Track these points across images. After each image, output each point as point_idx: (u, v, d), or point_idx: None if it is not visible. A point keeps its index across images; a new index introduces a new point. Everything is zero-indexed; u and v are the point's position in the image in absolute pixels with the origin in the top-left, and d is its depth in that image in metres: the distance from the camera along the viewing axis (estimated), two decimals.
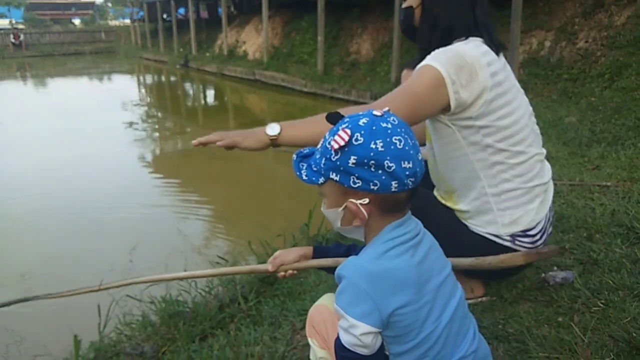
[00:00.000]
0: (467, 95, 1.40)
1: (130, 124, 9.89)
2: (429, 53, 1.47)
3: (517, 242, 1.54)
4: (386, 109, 1.01)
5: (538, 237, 1.57)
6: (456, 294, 1.08)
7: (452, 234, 1.52)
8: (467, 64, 1.40)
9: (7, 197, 5.44)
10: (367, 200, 0.99)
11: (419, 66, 1.43)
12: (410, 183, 0.97)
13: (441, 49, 1.45)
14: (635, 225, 2.21)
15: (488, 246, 1.54)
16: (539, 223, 1.56)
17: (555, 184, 3.05)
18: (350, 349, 0.98)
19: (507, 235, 1.53)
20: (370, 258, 1.01)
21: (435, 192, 1.71)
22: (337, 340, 1.01)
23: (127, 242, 3.98)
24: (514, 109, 1.48)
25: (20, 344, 2.73)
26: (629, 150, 4.12)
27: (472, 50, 1.44)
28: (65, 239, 4.39)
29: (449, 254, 1.48)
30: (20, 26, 38.96)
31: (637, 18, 7.01)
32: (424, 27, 1.57)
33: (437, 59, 1.40)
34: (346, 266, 1.02)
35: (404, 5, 1.63)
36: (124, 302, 2.48)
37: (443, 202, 1.65)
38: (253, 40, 17.33)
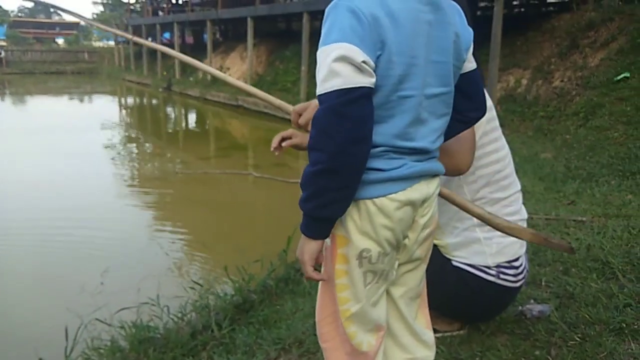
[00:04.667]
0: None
1: (109, 145, 9.77)
2: None
3: (501, 276, 1.54)
4: None
5: (521, 270, 1.58)
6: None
7: (438, 272, 1.52)
8: None
9: None
10: None
11: None
12: None
13: None
14: (610, 260, 2.23)
15: (473, 281, 1.54)
16: (521, 257, 1.57)
17: (531, 218, 3.11)
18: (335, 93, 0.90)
19: (494, 267, 1.53)
20: None
21: None
22: (317, 111, 0.93)
23: (99, 264, 3.87)
24: (502, 145, 1.54)
25: None
26: (603, 187, 4.22)
27: None
28: (34, 259, 4.25)
29: (433, 291, 1.48)
30: (2, 43, 38.59)
31: (609, 60, 7.28)
32: None
33: None
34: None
35: None
36: (93, 326, 2.40)
37: None
38: (237, 67, 17.46)
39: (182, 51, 20.58)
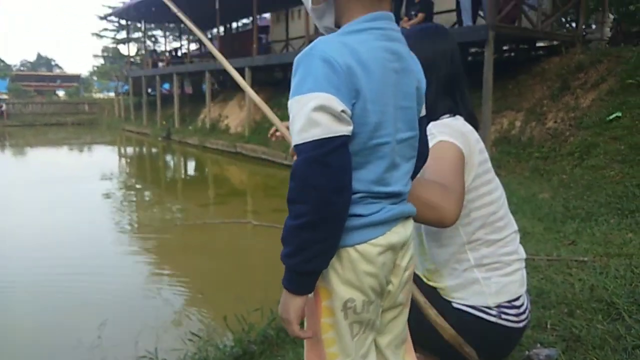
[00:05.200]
0: (467, 169, 1.45)
1: (108, 194, 9.78)
2: None
3: (503, 316, 1.52)
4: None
5: (522, 310, 1.55)
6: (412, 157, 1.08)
7: (439, 314, 1.50)
8: (465, 138, 1.46)
9: None
10: None
11: (430, 144, 1.40)
12: None
13: (438, 124, 1.49)
14: (615, 300, 2.21)
15: (474, 323, 1.51)
16: (522, 296, 1.55)
17: (532, 259, 3.10)
18: (315, 143, 0.89)
19: (494, 307, 1.51)
20: (331, 39, 0.97)
21: (417, 271, 1.70)
22: (295, 163, 0.92)
23: (96, 316, 3.80)
24: (496, 186, 1.56)
25: None
26: (603, 226, 4.21)
27: (463, 126, 1.50)
28: (29, 311, 4.17)
29: (436, 335, 1.46)
30: (4, 96, 39.27)
31: (600, 101, 7.42)
32: None
33: (446, 134, 1.44)
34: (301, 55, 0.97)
35: None
36: None
37: (426, 280, 1.64)
38: (235, 115, 17.72)
39: (182, 101, 21.05)
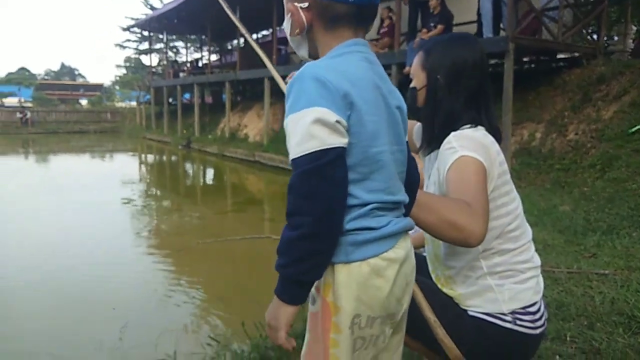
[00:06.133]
0: (487, 181, 1.46)
1: (128, 201, 9.93)
2: (432, 132, 1.56)
3: (518, 322, 1.52)
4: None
5: (538, 316, 1.55)
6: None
7: (455, 323, 1.52)
8: (487, 151, 1.47)
9: None
10: (306, 4, 1.04)
11: (452, 159, 1.44)
12: None
13: (459, 136, 1.49)
14: (636, 314, 2.18)
15: (490, 329, 1.52)
16: (537, 303, 1.55)
17: (552, 272, 3.07)
18: (311, 155, 0.92)
19: (509, 314, 1.52)
20: (319, 62, 1.01)
21: (433, 278, 1.71)
22: (293, 177, 0.94)
23: (116, 319, 3.87)
24: (513, 198, 1.57)
25: None
26: (624, 239, 4.14)
27: (484, 137, 1.51)
28: (52, 313, 4.26)
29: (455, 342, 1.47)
30: (29, 104, 40.20)
31: (622, 113, 7.32)
32: (427, 110, 1.62)
33: (468, 148, 1.44)
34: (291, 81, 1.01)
35: (410, 85, 1.68)
36: None
37: (440, 287, 1.65)
38: (254, 124, 17.88)
39: (202, 110, 21.30)
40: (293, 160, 0.95)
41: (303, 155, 0.93)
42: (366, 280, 0.99)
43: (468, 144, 1.46)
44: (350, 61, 1.03)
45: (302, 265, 0.94)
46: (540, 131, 8.34)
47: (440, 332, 1.47)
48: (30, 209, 8.72)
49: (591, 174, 6.75)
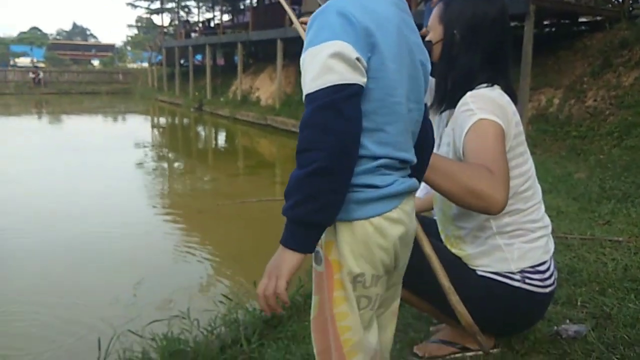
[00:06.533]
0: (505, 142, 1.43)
1: (142, 163, 10.01)
2: (445, 90, 1.52)
3: (527, 281, 1.52)
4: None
5: (547, 275, 1.55)
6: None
7: (463, 283, 1.51)
8: (504, 112, 1.43)
9: (12, 228, 5.45)
10: None
11: (470, 122, 1.40)
12: None
13: (476, 96, 1.45)
14: None
15: (498, 288, 1.52)
16: (546, 262, 1.55)
17: (565, 238, 3.06)
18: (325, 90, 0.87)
19: (518, 272, 1.51)
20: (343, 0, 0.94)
21: (442, 238, 1.70)
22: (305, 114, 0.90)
23: (132, 276, 3.97)
24: (526, 160, 1.54)
25: None
26: (639, 207, 4.10)
27: (501, 98, 1.47)
28: (70, 269, 4.38)
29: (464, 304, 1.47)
30: (41, 65, 40.19)
31: None
32: (442, 67, 1.57)
33: (486, 111, 1.40)
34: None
35: (426, 38, 1.61)
36: (125, 337, 2.44)
37: (449, 247, 1.65)
38: (266, 87, 17.75)
39: (214, 72, 21.10)
40: (308, 95, 0.90)
41: (320, 90, 0.88)
42: (369, 240, 0.97)
43: (486, 105, 1.42)
44: (378, 1, 0.97)
45: (314, 203, 0.88)
46: (558, 97, 8.18)
47: (454, 299, 1.47)
48: (46, 169, 8.83)
49: (608, 142, 6.64)
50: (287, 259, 0.92)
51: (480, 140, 1.37)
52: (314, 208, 0.89)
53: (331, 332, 1.02)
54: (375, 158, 0.95)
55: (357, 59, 0.89)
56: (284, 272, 0.92)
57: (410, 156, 1.03)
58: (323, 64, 0.88)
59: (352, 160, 0.91)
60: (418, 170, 1.11)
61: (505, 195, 1.29)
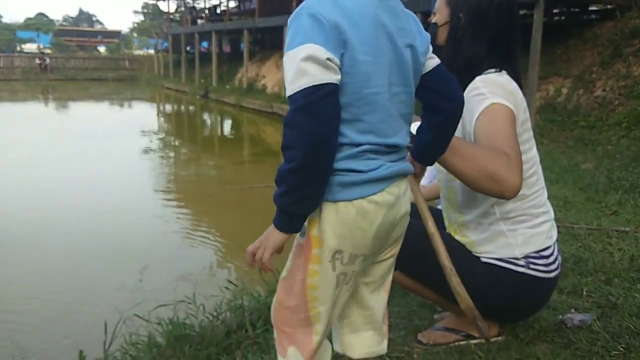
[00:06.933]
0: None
1: (148, 149, 10.03)
2: (450, 71, 1.51)
3: (531, 266, 1.51)
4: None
5: (552, 260, 1.54)
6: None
7: (468, 270, 1.51)
8: (514, 97, 1.42)
9: (19, 214, 5.50)
10: None
11: (482, 107, 1.39)
12: None
13: (486, 81, 1.44)
14: None
15: (503, 274, 1.52)
16: (550, 247, 1.54)
17: (572, 228, 3.04)
18: (301, 93, 0.94)
19: (522, 258, 1.51)
20: None
21: (446, 225, 1.69)
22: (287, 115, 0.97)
23: (138, 262, 4.00)
24: (531, 146, 1.54)
25: (25, 356, 2.70)
26: None
27: (509, 83, 1.46)
28: (76, 254, 4.42)
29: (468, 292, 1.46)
30: (48, 51, 40.19)
31: None
32: (448, 50, 1.54)
33: (498, 95, 1.39)
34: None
35: (432, 20, 1.58)
36: (131, 322, 2.46)
37: (453, 234, 1.64)
38: (272, 75, 17.69)
39: (220, 60, 21.02)
40: (288, 97, 0.97)
41: (296, 93, 0.95)
42: (351, 221, 1.03)
43: (497, 90, 1.40)
44: None
45: (292, 196, 0.99)
46: (567, 87, 8.10)
47: (455, 281, 1.46)
48: (52, 155, 8.87)
49: (616, 132, 6.58)
50: (274, 236, 1.04)
51: (493, 125, 1.36)
52: (294, 200, 0.99)
53: (300, 297, 1.12)
54: (357, 145, 1.01)
55: (328, 59, 0.95)
56: (270, 245, 1.04)
57: (398, 140, 1.07)
58: (297, 68, 0.95)
59: (328, 157, 0.99)
60: (426, 149, 1.20)
61: (521, 180, 1.28)
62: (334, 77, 0.95)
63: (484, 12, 1.47)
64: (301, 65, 0.94)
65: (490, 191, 1.31)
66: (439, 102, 1.15)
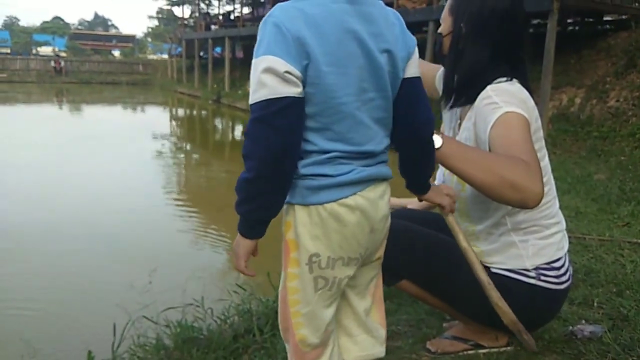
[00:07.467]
0: None
1: (159, 153, 10.11)
2: (451, 85, 1.52)
3: (542, 278, 1.50)
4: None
5: (563, 271, 1.52)
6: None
7: (476, 281, 1.50)
8: (527, 106, 1.40)
9: (30, 213, 5.55)
10: None
11: (496, 116, 1.36)
12: None
13: (498, 90, 1.41)
14: None
15: (513, 286, 1.50)
16: (561, 258, 1.53)
17: (583, 238, 3.01)
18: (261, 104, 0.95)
19: (533, 270, 1.49)
20: (288, 4, 1.00)
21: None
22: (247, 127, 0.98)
23: (147, 264, 4.01)
24: (543, 155, 1.51)
25: (34, 356, 2.72)
26: None
27: (520, 92, 1.44)
28: (86, 256, 4.45)
29: (475, 302, 1.44)
30: (63, 54, 40.71)
31: None
32: (448, 61, 1.54)
33: (511, 104, 1.37)
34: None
35: (439, 30, 1.57)
36: (140, 323, 2.47)
37: None
38: None
39: (232, 65, 21.13)
40: (250, 106, 0.99)
41: (255, 104, 0.97)
42: (325, 223, 1.03)
43: (510, 98, 1.38)
44: (322, 4, 0.98)
45: (249, 205, 1.01)
46: (580, 96, 8.05)
47: (495, 295, 1.41)
48: (65, 156, 8.96)
49: (629, 143, 6.52)
50: (242, 243, 1.07)
51: (509, 133, 1.33)
52: (252, 208, 1.02)
53: (284, 301, 1.14)
54: (325, 152, 1.02)
55: (287, 72, 0.94)
56: (240, 252, 1.07)
57: (372, 146, 1.05)
58: (258, 79, 0.96)
59: (285, 167, 1.00)
60: (419, 152, 1.16)
61: (542, 188, 1.24)
62: (293, 90, 0.95)
63: (485, 22, 1.44)
64: (261, 77, 0.95)
65: (511, 201, 1.28)
66: (412, 114, 1.11)
